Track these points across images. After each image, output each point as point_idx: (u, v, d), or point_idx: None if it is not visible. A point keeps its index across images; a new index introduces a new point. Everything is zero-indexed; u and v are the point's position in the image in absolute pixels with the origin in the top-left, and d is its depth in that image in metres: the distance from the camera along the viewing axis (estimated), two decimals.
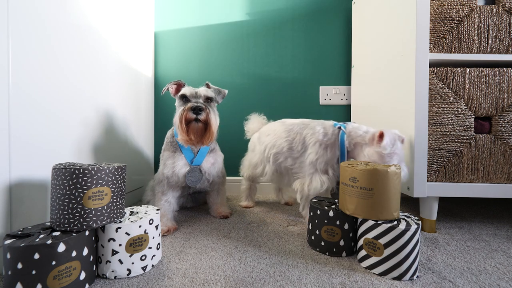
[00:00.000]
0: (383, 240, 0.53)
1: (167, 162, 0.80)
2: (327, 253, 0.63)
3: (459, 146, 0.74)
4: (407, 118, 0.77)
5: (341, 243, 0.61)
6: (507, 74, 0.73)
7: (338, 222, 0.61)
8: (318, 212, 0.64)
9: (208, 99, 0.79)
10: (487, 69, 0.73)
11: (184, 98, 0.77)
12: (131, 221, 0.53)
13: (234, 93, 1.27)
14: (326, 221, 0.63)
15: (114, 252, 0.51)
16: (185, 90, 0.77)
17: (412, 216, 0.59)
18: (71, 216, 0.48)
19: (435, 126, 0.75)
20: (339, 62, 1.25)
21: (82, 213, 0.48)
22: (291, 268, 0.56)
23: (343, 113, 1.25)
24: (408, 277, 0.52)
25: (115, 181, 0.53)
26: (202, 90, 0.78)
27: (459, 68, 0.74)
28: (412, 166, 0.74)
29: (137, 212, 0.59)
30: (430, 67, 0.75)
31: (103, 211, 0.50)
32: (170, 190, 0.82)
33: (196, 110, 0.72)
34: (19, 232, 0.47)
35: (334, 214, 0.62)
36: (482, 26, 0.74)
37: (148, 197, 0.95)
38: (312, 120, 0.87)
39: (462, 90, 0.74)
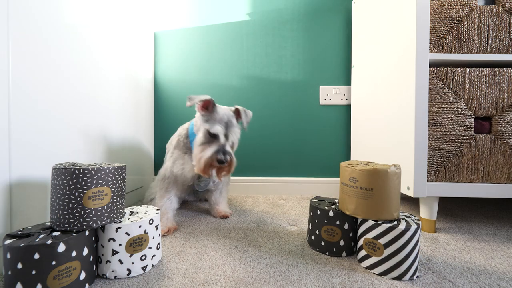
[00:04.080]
0: (383, 240, 0.53)
1: (177, 162, 0.79)
2: (327, 253, 0.63)
3: (459, 146, 0.74)
4: (407, 118, 0.77)
5: (341, 243, 0.61)
6: (507, 74, 0.73)
7: (338, 222, 0.61)
8: (318, 212, 0.64)
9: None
10: (487, 69, 0.73)
11: (212, 135, 0.73)
12: (131, 221, 0.53)
13: (234, 94, 1.27)
14: (326, 221, 0.63)
15: (114, 252, 0.51)
16: (217, 130, 0.72)
17: (412, 216, 0.59)
18: (71, 216, 0.48)
19: (435, 126, 0.75)
20: (339, 62, 1.25)
21: (82, 213, 0.48)
22: (291, 268, 0.56)
23: (343, 113, 1.25)
24: (408, 277, 0.52)
25: (115, 181, 0.53)
26: (233, 134, 0.75)
27: (459, 68, 0.74)
28: (412, 166, 0.74)
29: (137, 212, 0.59)
30: (430, 67, 0.75)
31: (103, 211, 0.50)
32: (174, 187, 0.81)
33: (222, 162, 0.70)
34: (19, 232, 0.47)
35: (334, 214, 0.62)
36: (482, 26, 0.74)
37: (152, 195, 0.95)
38: None
39: (462, 90, 0.74)
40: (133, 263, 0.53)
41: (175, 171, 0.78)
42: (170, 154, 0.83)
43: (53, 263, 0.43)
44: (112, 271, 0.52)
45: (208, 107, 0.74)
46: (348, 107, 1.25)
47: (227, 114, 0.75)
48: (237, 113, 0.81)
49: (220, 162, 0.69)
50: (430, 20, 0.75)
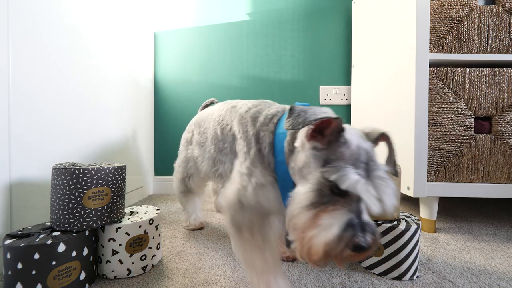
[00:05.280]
0: (383, 240, 0.53)
1: (260, 191, 0.44)
2: None
3: (459, 146, 0.74)
4: (407, 118, 0.77)
5: None
6: (507, 74, 0.73)
7: None
8: None
9: None
10: (487, 69, 0.73)
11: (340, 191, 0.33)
12: (131, 221, 0.53)
13: (234, 94, 1.27)
14: None
15: (114, 252, 0.51)
16: (355, 184, 0.31)
17: (412, 216, 0.59)
18: (71, 216, 0.48)
19: (435, 126, 0.75)
20: (339, 62, 1.25)
21: (82, 213, 0.48)
22: (291, 268, 0.56)
23: (343, 113, 1.25)
24: (408, 277, 0.52)
25: (115, 181, 0.53)
26: (384, 187, 0.32)
27: (459, 68, 0.74)
28: (412, 166, 0.74)
29: (137, 212, 0.59)
30: (430, 67, 0.75)
31: (103, 211, 0.50)
32: (257, 221, 0.46)
33: (362, 249, 0.32)
34: (19, 232, 0.47)
35: None
36: (482, 26, 0.74)
37: (183, 174, 0.72)
38: None
39: (462, 90, 0.74)
40: (133, 263, 0.53)
41: (261, 200, 0.44)
42: (246, 169, 0.46)
43: (53, 263, 0.43)
44: (112, 271, 0.52)
45: (325, 131, 0.36)
46: (348, 107, 1.25)
47: (365, 147, 0.35)
48: (379, 139, 0.40)
49: (359, 249, 0.32)
50: (430, 20, 0.75)
